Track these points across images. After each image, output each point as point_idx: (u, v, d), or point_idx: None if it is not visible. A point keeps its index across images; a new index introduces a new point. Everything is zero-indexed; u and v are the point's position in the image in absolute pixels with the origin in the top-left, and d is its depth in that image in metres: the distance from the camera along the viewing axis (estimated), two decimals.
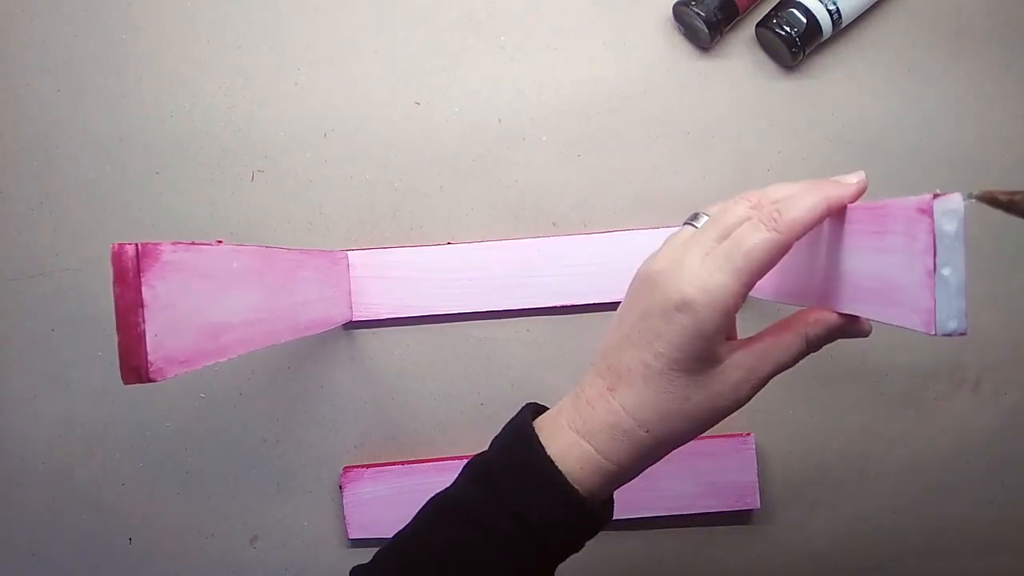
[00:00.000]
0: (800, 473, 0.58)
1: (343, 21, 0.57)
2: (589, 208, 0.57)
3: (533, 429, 0.37)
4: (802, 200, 0.33)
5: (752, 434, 0.56)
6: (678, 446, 0.36)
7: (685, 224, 0.38)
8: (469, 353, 0.57)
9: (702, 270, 0.33)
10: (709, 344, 0.34)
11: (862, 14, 0.55)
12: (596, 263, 0.56)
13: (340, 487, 0.56)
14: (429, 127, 0.57)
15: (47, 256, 0.58)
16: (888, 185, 0.56)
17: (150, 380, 0.31)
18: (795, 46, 0.53)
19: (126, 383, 0.30)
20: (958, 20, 0.56)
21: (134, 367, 0.30)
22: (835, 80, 0.56)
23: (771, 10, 0.54)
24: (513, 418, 0.39)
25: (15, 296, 0.58)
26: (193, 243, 0.34)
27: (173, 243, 0.32)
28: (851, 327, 0.36)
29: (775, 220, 0.33)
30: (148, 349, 0.30)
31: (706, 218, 0.37)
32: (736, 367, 0.35)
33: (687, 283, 0.33)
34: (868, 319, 0.35)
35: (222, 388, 0.58)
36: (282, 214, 0.57)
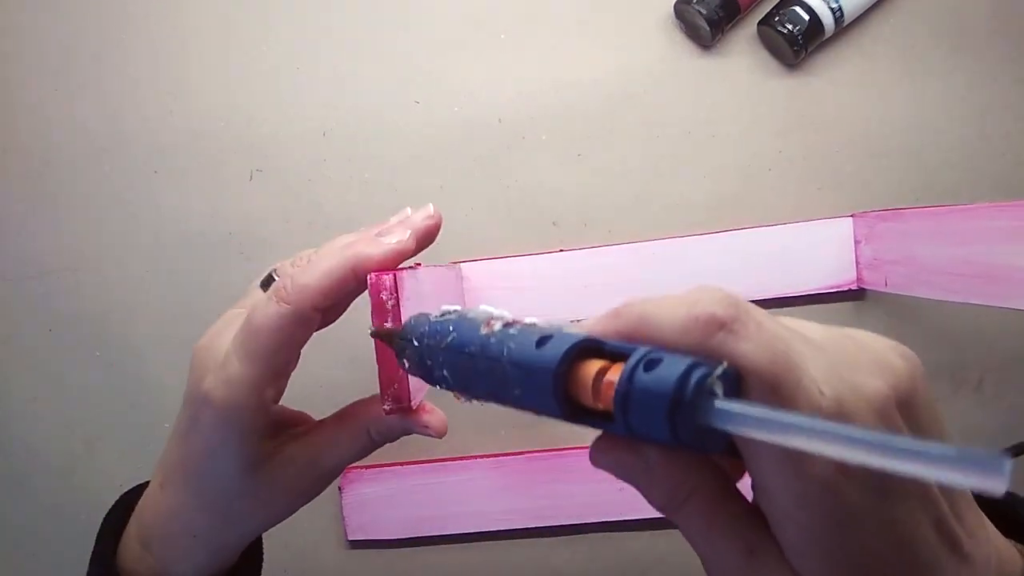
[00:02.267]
0: None
1: (343, 20, 0.57)
2: (589, 208, 0.56)
3: (112, 543, 0.34)
4: (319, 263, 0.29)
5: None
6: (249, 540, 0.34)
7: (259, 285, 0.34)
8: None
9: (228, 359, 0.29)
10: (242, 443, 0.30)
11: (864, 12, 0.55)
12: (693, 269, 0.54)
13: (339, 488, 0.56)
14: (429, 126, 0.57)
15: (46, 256, 0.58)
16: (890, 184, 0.55)
17: (409, 409, 0.30)
18: (797, 44, 0.53)
19: (388, 414, 0.30)
20: (960, 19, 0.56)
21: (397, 399, 0.30)
22: (837, 79, 0.56)
23: (773, 8, 0.54)
24: (106, 515, 0.36)
25: (15, 296, 0.58)
26: (415, 266, 0.32)
27: (406, 268, 0.31)
28: (418, 428, 0.32)
29: (285, 290, 0.28)
30: (410, 383, 0.30)
31: (276, 281, 0.32)
32: (290, 462, 0.31)
33: (210, 372, 0.30)
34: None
35: None
36: (281, 214, 0.57)
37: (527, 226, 0.57)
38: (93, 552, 0.35)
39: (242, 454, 0.30)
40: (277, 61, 0.57)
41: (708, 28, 0.53)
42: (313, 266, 0.29)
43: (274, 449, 0.31)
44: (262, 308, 0.29)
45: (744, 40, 0.56)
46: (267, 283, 0.33)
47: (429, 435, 0.32)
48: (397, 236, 0.30)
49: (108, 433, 0.59)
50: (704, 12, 0.53)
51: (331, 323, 0.35)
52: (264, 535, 0.58)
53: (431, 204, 0.32)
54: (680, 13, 0.55)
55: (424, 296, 0.33)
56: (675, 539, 0.57)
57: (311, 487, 0.32)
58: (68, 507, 0.60)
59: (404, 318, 0.28)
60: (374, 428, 0.32)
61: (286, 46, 0.57)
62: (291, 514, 0.33)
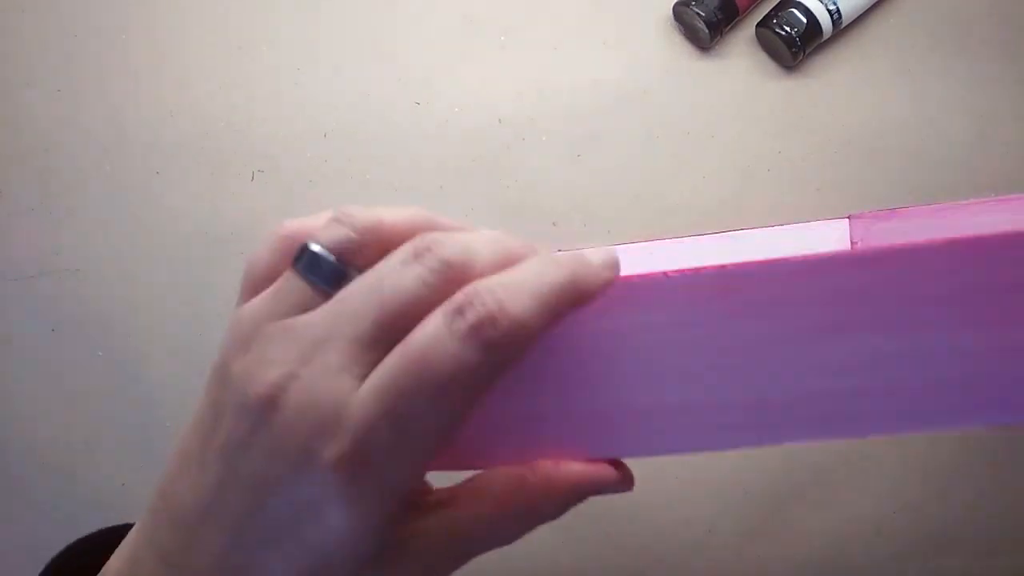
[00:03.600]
0: (800, 473, 0.58)
1: (343, 21, 0.57)
2: (589, 208, 0.57)
3: None
4: (529, 282, 0.19)
5: None
6: None
7: (294, 271, 0.21)
8: None
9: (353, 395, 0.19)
10: (380, 514, 0.19)
11: (862, 14, 0.55)
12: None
13: None
14: (429, 127, 0.57)
15: (47, 256, 0.58)
16: (889, 186, 0.55)
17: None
18: (795, 46, 0.53)
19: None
20: (958, 20, 0.56)
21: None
22: (835, 80, 0.56)
23: (771, 10, 0.54)
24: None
25: (15, 296, 0.58)
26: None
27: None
28: (612, 482, 0.23)
29: (492, 321, 0.18)
30: None
31: (354, 286, 0.20)
32: (425, 535, 0.21)
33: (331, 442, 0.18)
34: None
35: None
36: (282, 214, 0.57)
37: (527, 226, 0.57)
38: None
39: (380, 532, 0.20)
40: (278, 62, 0.57)
41: (707, 30, 0.54)
42: (522, 287, 0.18)
43: (405, 525, 0.21)
44: (444, 346, 0.18)
45: (742, 42, 0.56)
46: (310, 266, 0.21)
47: (617, 491, 0.25)
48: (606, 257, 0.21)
49: (108, 433, 0.59)
50: (703, 14, 0.53)
51: None
52: None
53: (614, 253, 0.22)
54: (679, 15, 0.55)
55: None
56: (675, 539, 0.58)
57: (446, 566, 0.22)
58: (68, 507, 0.59)
59: None
60: (551, 502, 0.23)
61: (286, 47, 0.57)
62: None
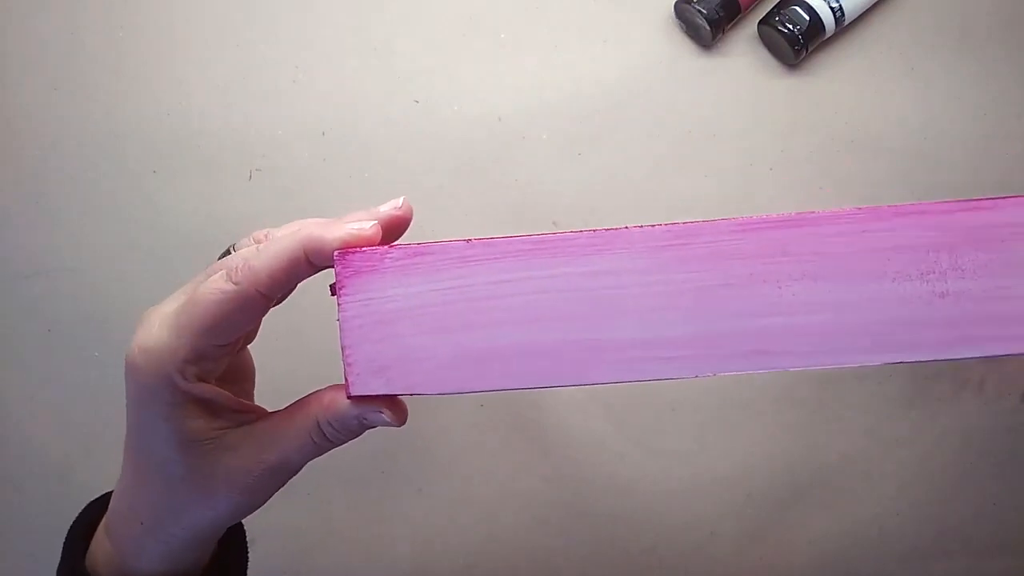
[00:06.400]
0: (802, 475, 0.57)
1: (341, 19, 0.57)
2: (590, 207, 0.56)
3: (81, 539, 0.33)
4: (271, 246, 0.28)
5: None
6: (200, 538, 0.31)
7: (219, 259, 0.32)
8: None
9: (154, 326, 0.28)
10: (167, 418, 0.28)
11: (865, 12, 0.55)
12: None
13: (332, 290, 0.29)
14: (428, 126, 0.57)
15: (44, 256, 0.58)
16: (891, 184, 0.55)
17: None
18: (798, 44, 0.53)
19: (349, 399, 0.29)
20: (961, 18, 0.56)
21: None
22: (838, 78, 0.56)
23: (773, 7, 0.54)
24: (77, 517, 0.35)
25: (13, 296, 0.58)
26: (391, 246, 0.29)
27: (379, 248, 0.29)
28: (371, 416, 0.29)
29: (236, 270, 0.27)
30: None
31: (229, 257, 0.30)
32: (230, 450, 0.29)
33: (134, 342, 0.28)
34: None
35: None
36: (280, 213, 0.57)
37: (527, 225, 0.56)
38: (62, 550, 0.34)
39: (169, 430, 0.28)
40: (277, 61, 0.57)
41: (708, 28, 0.53)
42: (265, 249, 0.28)
43: (212, 433, 0.29)
44: (208, 283, 0.27)
45: (745, 40, 0.56)
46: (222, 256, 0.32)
47: (381, 424, 0.30)
48: (358, 223, 0.29)
49: (107, 433, 0.58)
50: (704, 12, 0.53)
51: (279, 303, 0.33)
52: (262, 537, 0.58)
53: (403, 197, 0.31)
54: (680, 13, 0.55)
55: None
56: (674, 539, 0.57)
57: (255, 484, 0.30)
58: (67, 507, 0.59)
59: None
60: (323, 417, 0.29)
61: (284, 45, 0.57)
62: (238, 515, 0.31)
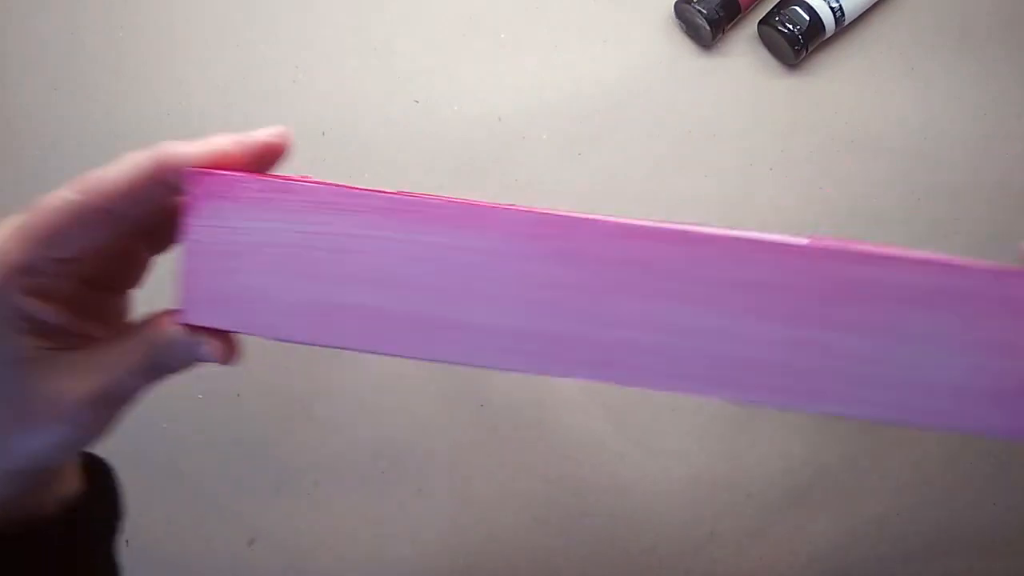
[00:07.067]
0: (802, 475, 0.57)
1: (341, 19, 0.57)
2: (590, 207, 0.56)
3: None
4: (124, 159, 0.26)
5: None
6: (25, 471, 0.28)
7: None
8: None
9: None
10: None
11: (865, 12, 0.55)
12: None
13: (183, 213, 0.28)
14: (428, 126, 0.57)
15: None
16: (891, 183, 0.55)
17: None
18: (798, 44, 0.53)
19: (180, 325, 0.28)
20: (961, 18, 0.56)
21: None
22: (838, 78, 0.56)
23: (773, 7, 0.54)
24: None
25: None
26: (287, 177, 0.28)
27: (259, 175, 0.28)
28: (196, 348, 0.27)
29: (85, 180, 0.26)
30: None
31: None
32: (53, 371, 0.27)
33: None
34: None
35: (220, 389, 0.58)
36: None
37: None
38: None
39: None
40: (277, 61, 0.57)
41: (708, 28, 0.53)
42: (118, 161, 0.26)
43: (36, 353, 0.27)
44: (53, 193, 0.26)
45: (745, 40, 0.56)
46: None
47: (209, 360, 0.28)
48: (218, 140, 0.27)
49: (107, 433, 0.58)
50: (704, 12, 0.53)
51: (162, 250, 0.32)
52: (262, 537, 0.58)
53: (283, 127, 0.29)
54: (680, 13, 0.55)
55: None
56: (673, 538, 0.57)
57: (78, 413, 0.27)
58: None
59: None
60: (155, 340, 0.27)
61: (284, 45, 0.57)
62: (68, 447, 0.28)
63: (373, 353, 0.27)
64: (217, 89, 0.57)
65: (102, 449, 0.59)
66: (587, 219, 0.26)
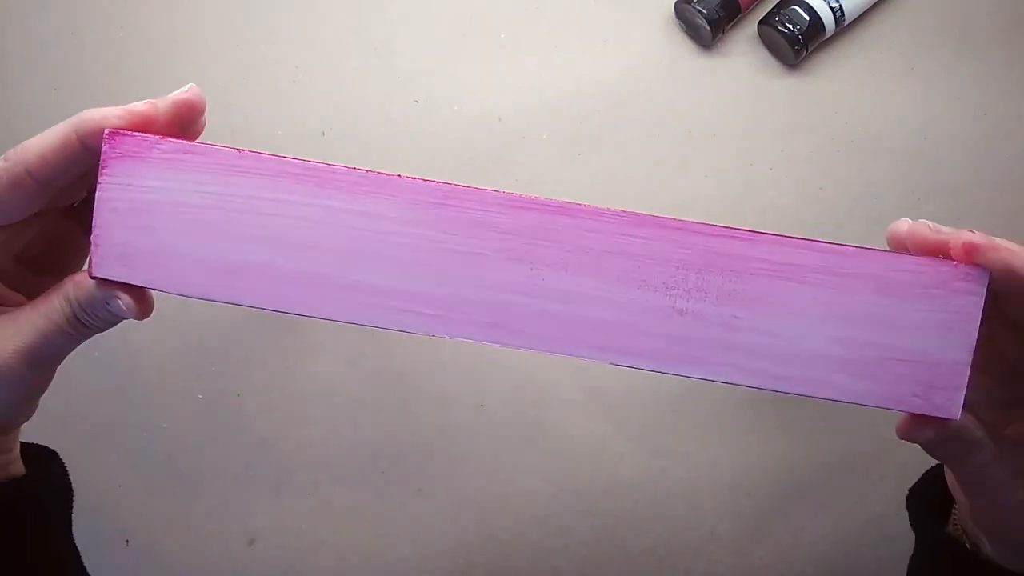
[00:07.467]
0: (802, 475, 0.57)
1: (341, 19, 0.57)
2: None
3: None
4: (48, 129, 0.28)
5: (987, 272, 0.29)
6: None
7: None
8: (471, 351, 0.57)
9: None
10: None
11: (865, 12, 0.55)
12: None
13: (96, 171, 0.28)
14: (428, 126, 0.57)
15: None
16: (891, 183, 0.55)
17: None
18: (798, 44, 0.53)
19: (93, 279, 0.29)
20: (962, 19, 0.56)
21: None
22: (838, 78, 0.56)
23: (773, 7, 0.54)
24: None
25: None
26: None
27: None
28: (111, 302, 0.28)
29: (11, 151, 0.28)
30: None
31: None
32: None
33: None
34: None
35: (219, 389, 0.58)
36: None
37: None
38: None
39: None
40: (277, 61, 0.57)
41: (708, 28, 0.53)
42: (43, 132, 0.28)
43: None
44: None
45: (744, 40, 0.56)
46: None
47: (124, 314, 0.29)
48: (136, 104, 0.28)
49: (103, 434, 0.58)
50: (704, 12, 0.53)
51: (80, 219, 0.33)
52: (262, 537, 0.58)
53: (190, 84, 0.30)
54: (680, 13, 0.55)
55: None
56: (673, 538, 0.57)
57: (9, 371, 0.29)
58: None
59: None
60: (73, 296, 0.28)
61: (286, 46, 0.57)
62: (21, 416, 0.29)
63: (272, 311, 0.28)
64: (217, 89, 0.57)
65: (102, 451, 0.59)
66: (479, 190, 0.28)
